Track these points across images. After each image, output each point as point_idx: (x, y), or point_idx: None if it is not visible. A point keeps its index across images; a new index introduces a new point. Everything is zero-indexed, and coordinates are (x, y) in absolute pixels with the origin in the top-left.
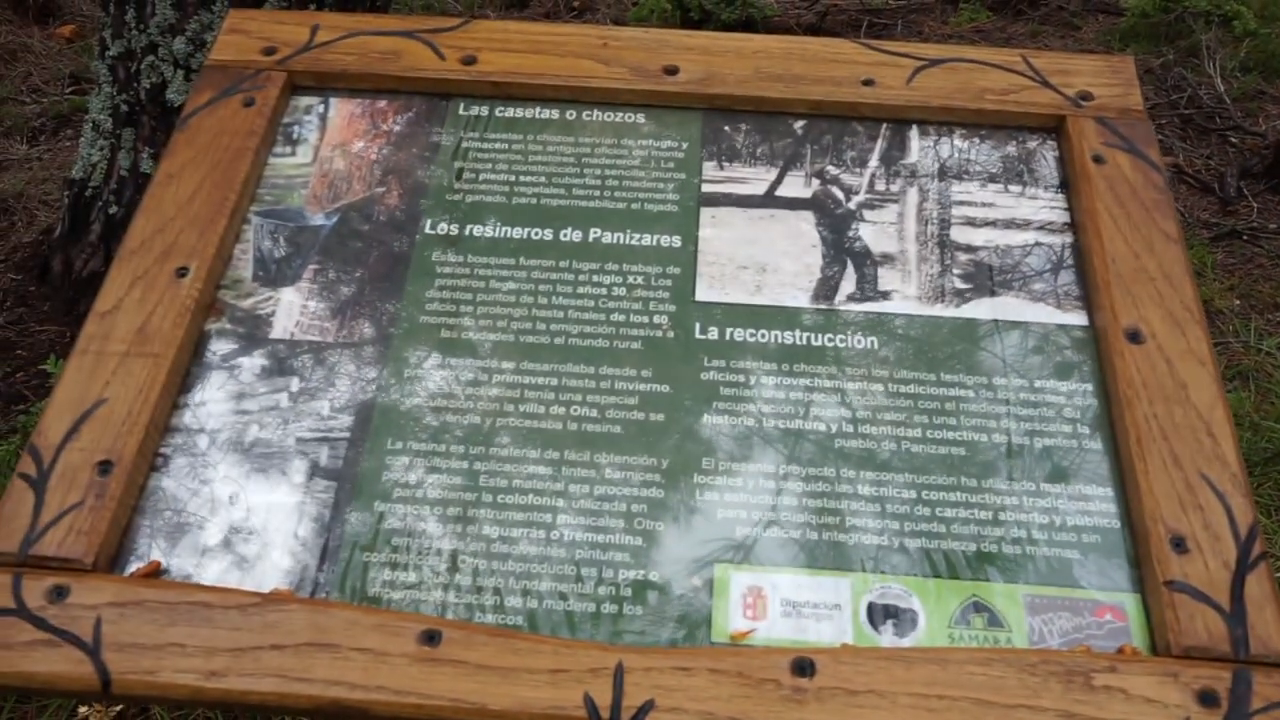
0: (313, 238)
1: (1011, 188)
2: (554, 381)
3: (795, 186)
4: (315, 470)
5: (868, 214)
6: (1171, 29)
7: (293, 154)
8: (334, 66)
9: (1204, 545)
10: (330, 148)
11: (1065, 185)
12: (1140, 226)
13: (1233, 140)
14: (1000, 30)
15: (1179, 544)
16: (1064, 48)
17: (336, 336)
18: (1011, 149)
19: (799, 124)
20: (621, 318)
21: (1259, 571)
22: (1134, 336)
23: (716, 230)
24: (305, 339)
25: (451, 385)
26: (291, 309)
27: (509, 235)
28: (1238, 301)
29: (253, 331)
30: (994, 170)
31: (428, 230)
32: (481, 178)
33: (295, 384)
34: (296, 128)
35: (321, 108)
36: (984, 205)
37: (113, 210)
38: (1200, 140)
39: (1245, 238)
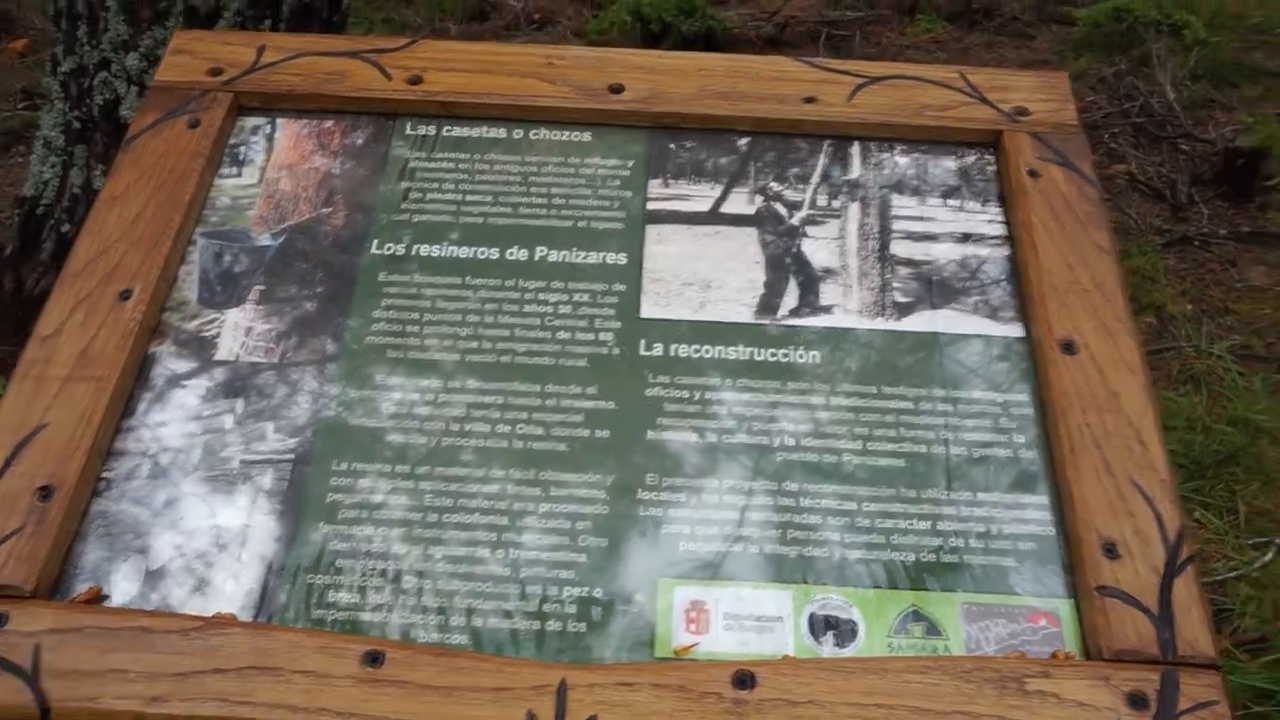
0: (259, 259)
1: (950, 202)
2: (500, 400)
3: (739, 203)
4: (260, 492)
5: (810, 230)
6: (1123, 38)
7: (239, 175)
8: (280, 87)
9: (1134, 550)
10: (276, 168)
11: (1002, 199)
12: (1074, 239)
13: (1183, 147)
14: (957, 41)
15: (1110, 550)
16: (1019, 58)
17: (283, 358)
18: (950, 164)
19: (743, 141)
20: (567, 335)
21: (1186, 575)
22: (1068, 347)
23: (661, 247)
24: (251, 361)
25: (397, 405)
26: (237, 331)
27: (456, 255)
28: (1189, 306)
29: (197, 354)
30: (933, 185)
31: (374, 250)
32: (428, 197)
33: (240, 406)
34: (243, 148)
35: (268, 128)
36: (924, 219)
37: (65, 229)
38: (1152, 148)
39: (1196, 243)
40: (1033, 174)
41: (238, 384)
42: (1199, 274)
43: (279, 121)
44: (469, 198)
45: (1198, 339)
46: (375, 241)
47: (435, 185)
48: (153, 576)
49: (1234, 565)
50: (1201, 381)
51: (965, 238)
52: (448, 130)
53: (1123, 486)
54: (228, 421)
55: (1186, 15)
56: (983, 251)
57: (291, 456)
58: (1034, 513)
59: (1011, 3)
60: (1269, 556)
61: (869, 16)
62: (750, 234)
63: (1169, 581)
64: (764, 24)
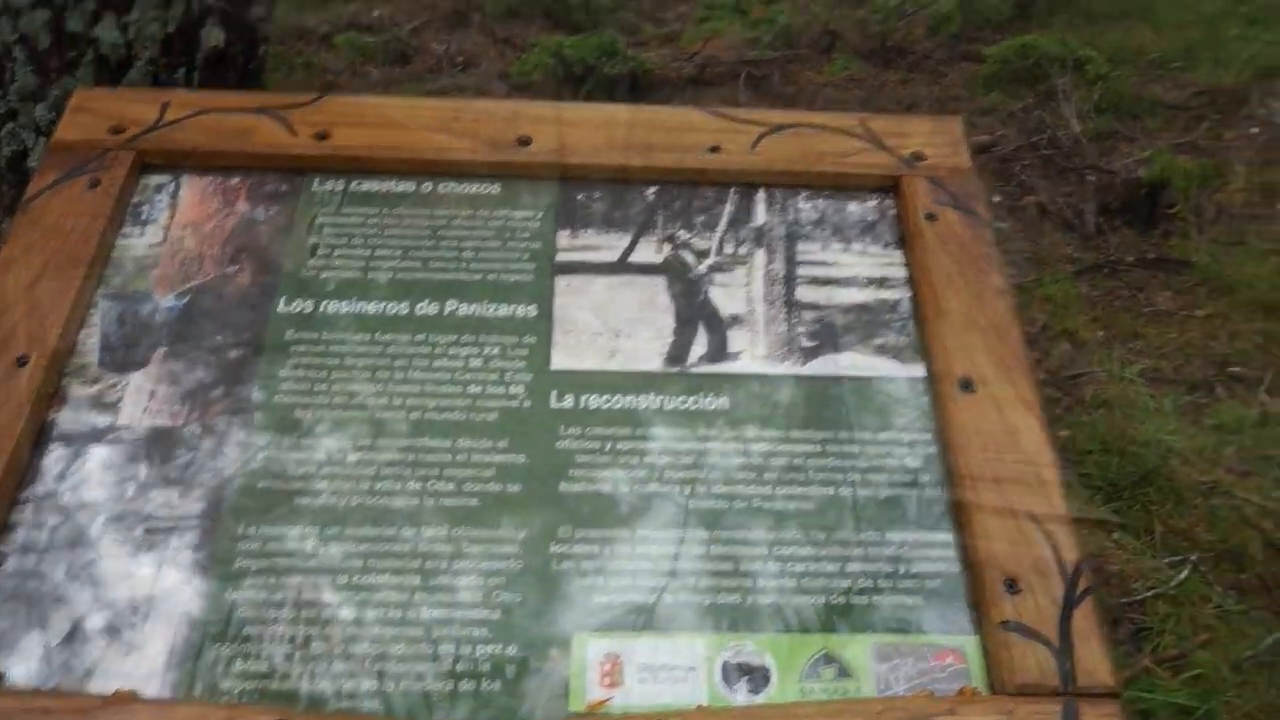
0: (162, 320)
1: (853, 246)
2: (410, 457)
3: (647, 252)
4: (165, 560)
5: (718, 277)
6: (1030, 74)
7: (142, 235)
8: (184, 145)
9: (1034, 585)
10: (181, 227)
11: (902, 242)
12: (970, 280)
13: (1090, 178)
14: (874, 78)
15: (1011, 585)
16: (932, 95)
17: (187, 420)
18: (852, 209)
19: (650, 191)
20: (478, 389)
21: (1084, 606)
22: (966, 385)
23: (571, 298)
24: (155, 424)
25: (306, 466)
26: (140, 394)
27: (364, 311)
28: (1101, 332)
29: (99, 419)
30: (836, 230)
31: (281, 309)
32: (336, 253)
33: (144, 471)
34: (146, 208)
35: (172, 187)
36: (827, 264)
37: None
38: (1061, 179)
39: (1106, 271)
40: (930, 217)
41: (141, 449)
42: (1109, 300)
43: (183, 179)
44: (378, 253)
45: (1110, 364)
46: (283, 299)
47: (344, 241)
48: (54, 652)
49: (1152, 584)
50: (1115, 405)
51: (868, 281)
52: (356, 185)
53: (1022, 522)
54: (130, 488)
55: (1089, 51)
56: (884, 294)
57: (197, 521)
58: (939, 550)
59: (924, 41)
60: (1185, 574)
61: (788, 56)
62: (659, 283)
63: (1068, 613)
64: (684, 64)
